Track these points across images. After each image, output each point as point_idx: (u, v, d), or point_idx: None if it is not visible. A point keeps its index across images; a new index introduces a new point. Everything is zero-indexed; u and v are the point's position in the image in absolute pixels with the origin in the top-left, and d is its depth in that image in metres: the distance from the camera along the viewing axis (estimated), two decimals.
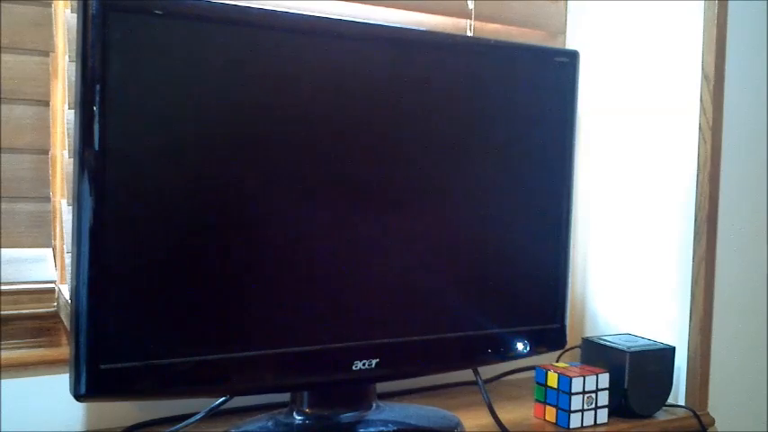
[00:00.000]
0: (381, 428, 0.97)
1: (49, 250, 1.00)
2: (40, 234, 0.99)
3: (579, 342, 1.18)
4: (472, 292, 1.01)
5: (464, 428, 1.02)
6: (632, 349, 1.09)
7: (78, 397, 0.78)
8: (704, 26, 1.16)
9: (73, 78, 0.90)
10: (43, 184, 0.99)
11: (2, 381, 0.95)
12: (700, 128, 1.17)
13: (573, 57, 1.07)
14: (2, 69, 0.95)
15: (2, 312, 0.96)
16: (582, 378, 1.05)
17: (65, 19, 0.98)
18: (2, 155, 0.96)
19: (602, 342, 1.13)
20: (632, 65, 1.27)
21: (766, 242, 1.26)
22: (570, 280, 1.11)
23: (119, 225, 0.78)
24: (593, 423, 1.07)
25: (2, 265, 0.96)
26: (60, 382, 0.95)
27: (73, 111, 0.81)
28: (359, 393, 0.99)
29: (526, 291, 1.06)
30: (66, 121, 0.98)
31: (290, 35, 0.87)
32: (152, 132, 0.80)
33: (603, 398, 1.07)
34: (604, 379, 1.07)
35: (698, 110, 1.17)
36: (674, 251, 1.21)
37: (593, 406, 1.06)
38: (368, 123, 0.92)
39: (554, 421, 1.06)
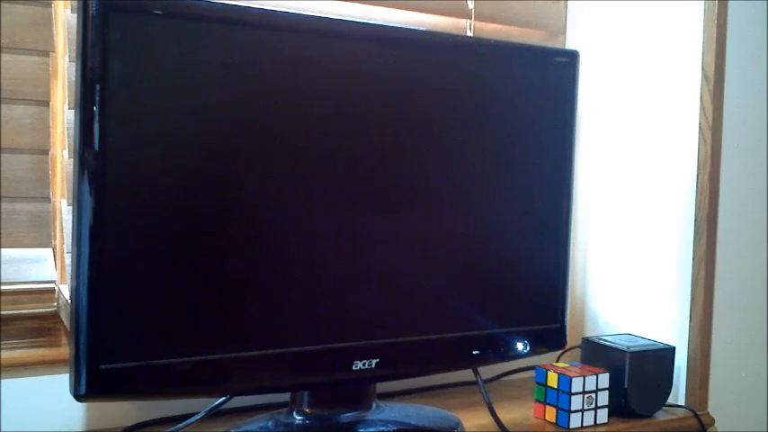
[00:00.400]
0: (381, 428, 0.97)
1: (49, 250, 1.00)
2: (40, 234, 0.99)
3: (579, 342, 1.18)
4: (472, 293, 1.01)
5: (464, 428, 1.02)
6: (632, 349, 1.09)
7: (78, 397, 0.78)
8: (704, 26, 1.16)
9: (73, 78, 0.90)
10: (43, 184, 0.99)
11: (2, 381, 0.95)
12: (700, 128, 1.17)
13: (573, 57, 1.07)
14: (2, 69, 0.95)
15: (2, 312, 0.96)
16: (582, 378, 1.05)
17: (65, 19, 0.98)
18: (2, 155, 0.96)
19: (602, 342, 1.13)
20: (632, 65, 1.27)
21: (766, 242, 1.26)
22: (570, 280, 1.11)
23: (119, 225, 0.78)
24: (593, 423, 1.07)
25: (2, 265, 0.96)
26: (60, 382, 0.95)
27: (73, 111, 0.81)
28: (359, 393, 0.99)
29: (526, 291, 1.06)
30: (66, 121, 0.98)
31: (290, 35, 0.87)
32: (152, 132, 0.80)
33: (603, 398, 1.07)
34: (604, 379, 1.07)
35: (698, 110, 1.17)
36: (674, 251, 1.21)
37: (593, 406, 1.06)
38: (367, 123, 0.92)
39: (554, 421, 1.06)
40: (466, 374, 1.13)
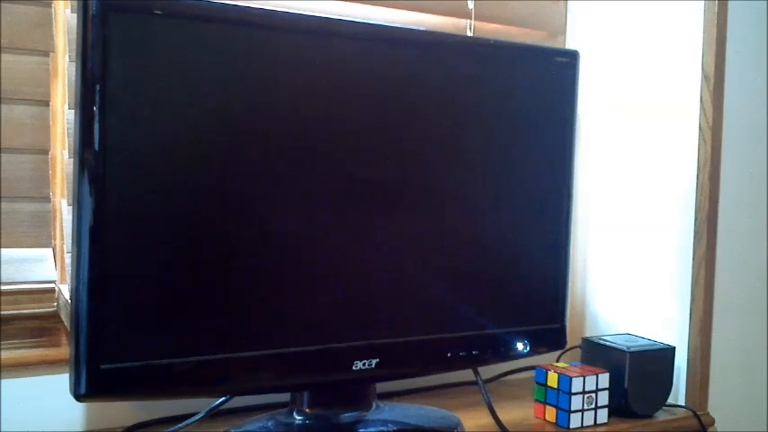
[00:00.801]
0: (381, 428, 0.97)
1: (49, 250, 1.00)
2: (40, 234, 0.99)
3: (579, 342, 1.18)
4: (472, 292, 1.01)
5: (464, 428, 1.02)
6: (632, 349, 1.09)
7: (78, 397, 0.78)
8: (704, 26, 1.16)
9: (73, 78, 0.90)
10: (43, 184, 0.99)
11: (2, 381, 0.95)
12: (700, 128, 1.17)
13: (573, 57, 1.07)
14: (2, 69, 0.95)
15: (2, 312, 0.96)
16: (582, 378, 1.05)
17: (65, 19, 0.98)
18: (2, 155, 0.96)
19: (602, 342, 1.13)
20: (632, 65, 1.27)
21: (766, 242, 1.26)
22: (570, 280, 1.11)
23: (119, 225, 0.78)
24: (593, 423, 1.07)
25: (2, 265, 0.96)
26: (60, 382, 0.95)
27: (73, 111, 0.81)
28: (359, 393, 0.99)
29: (526, 291, 1.06)
30: (66, 121, 0.98)
31: (290, 35, 0.87)
32: (152, 132, 0.80)
33: (603, 398, 1.07)
34: (604, 379, 1.07)
35: (698, 110, 1.17)
36: (673, 251, 1.21)
37: (593, 406, 1.06)
38: (367, 123, 0.92)
39: (554, 421, 1.06)
40: (466, 374, 1.13)
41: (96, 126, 0.76)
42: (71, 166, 0.81)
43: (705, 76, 1.16)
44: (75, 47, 0.78)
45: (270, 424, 0.96)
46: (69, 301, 0.82)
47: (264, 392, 1.04)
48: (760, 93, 1.23)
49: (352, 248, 0.92)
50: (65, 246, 0.99)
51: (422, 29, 1.06)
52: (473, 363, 1.05)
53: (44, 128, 0.98)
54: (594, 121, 1.33)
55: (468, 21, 1.25)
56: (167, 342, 0.82)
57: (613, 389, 1.08)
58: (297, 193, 0.88)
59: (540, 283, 1.08)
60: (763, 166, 1.25)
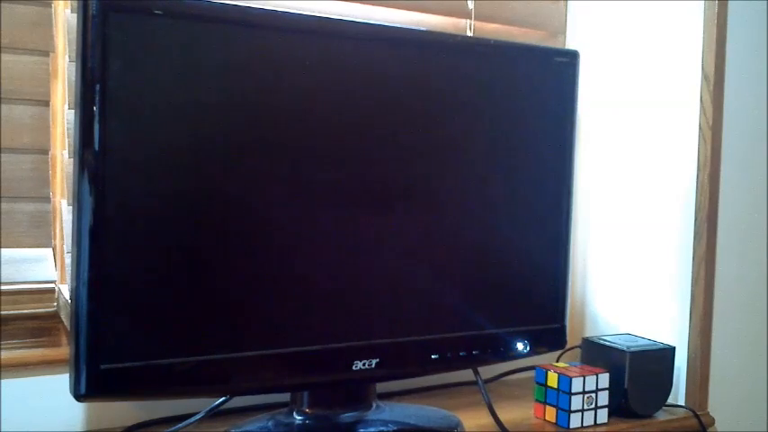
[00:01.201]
0: (381, 428, 0.97)
1: (49, 250, 1.00)
2: (40, 234, 0.99)
3: (579, 342, 1.18)
4: (472, 292, 1.01)
5: (464, 428, 1.02)
6: (632, 349, 1.09)
7: (78, 397, 0.78)
8: (704, 26, 1.16)
9: (73, 78, 0.90)
10: (43, 184, 0.99)
11: (2, 381, 0.95)
12: (700, 128, 1.17)
13: (573, 57, 1.07)
14: (2, 69, 0.95)
15: (2, 312, 0.96)
16: (582, 378, 1.05)
17: (65, 19, 0.98)
18: (2, 155, 0.96)
19: (602, 342, 1.13)
20: (632, 65, 1.27)
21: (766, 242, 1.26)
22: (570, 280, 1.11)
23: (119, 225, 0.78)
24: (593, 423, 1.07)
25: (2, 265, 0.96)
26: (60, 382, 0.95)
27: (73, 111, 0.81)
28: (359, 393, 0.99)
29: (526, 291, 1.06)
30: (66, 121, 0.98)
31: (290, 35, 0.87)
32: (152, 132, 0.80)
33: (603, 398, 1.07)
34: (604, 379, 1.07)
35: (698, 110, 1.17)
36: (673, 251, 1.21)
37: (594, 406, 1.06)
38: (367, 123, 0.92)
39: (554, 421, 1.06)
40: (466, 374, 1.13)
41: (96, 126, 0.76)
42: (71, 166, 0.81)
43: (705, 76, 1.16)
44: (75, 47, 0.78)
45: (270, 424, 0.96)
46: (69, 301, 0.82)
47: (264, 392, 1.04)
48: (760, 93, 1.23)
49: (352, 248, 0.92)
50: (65, 246, 0.99)
51: (422, 29, 1.06)
52: (473, 363, 1.05)
53: (44, 128, 0.98)
54: (594, 120, 1.33)
55: (468, 21, 1.25)
56: (167, 342, 0.82)
57: (613, 389, 1.08)
58: (297, 193, 0.88)
59: (540, 283, 1.08)
60: (763, 166, 1.25)
